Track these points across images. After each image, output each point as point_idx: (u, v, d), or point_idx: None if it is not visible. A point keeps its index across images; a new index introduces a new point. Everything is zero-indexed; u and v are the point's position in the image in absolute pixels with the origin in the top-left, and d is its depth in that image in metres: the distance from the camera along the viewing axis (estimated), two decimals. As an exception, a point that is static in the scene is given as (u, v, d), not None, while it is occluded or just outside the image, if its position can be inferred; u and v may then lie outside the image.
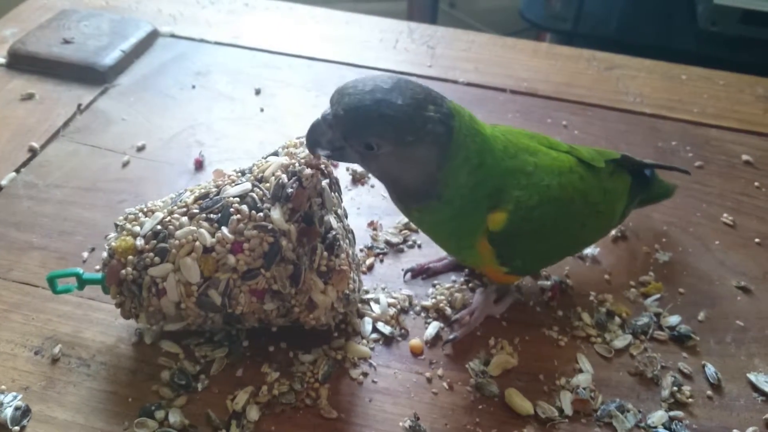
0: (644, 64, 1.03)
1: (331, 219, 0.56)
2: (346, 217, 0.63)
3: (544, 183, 0.56)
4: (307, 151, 0.56)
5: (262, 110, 0.90)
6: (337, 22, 1.09)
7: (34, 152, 0.80)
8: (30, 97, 0.88)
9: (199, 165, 0.80)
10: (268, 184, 0.55)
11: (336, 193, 0.60)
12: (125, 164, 0.80)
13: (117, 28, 0.98)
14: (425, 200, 0.54)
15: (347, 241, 0.60)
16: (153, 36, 1.01)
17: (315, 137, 0.53)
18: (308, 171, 0.55)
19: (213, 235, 0.54)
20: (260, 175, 0.56)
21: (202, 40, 1.02)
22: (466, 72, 0.99)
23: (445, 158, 0.51)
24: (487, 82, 0.97)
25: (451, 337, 0.62)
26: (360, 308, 0.64)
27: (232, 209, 0.54)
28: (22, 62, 0.93)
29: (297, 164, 0.55)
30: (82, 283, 0.59)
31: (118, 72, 0.93)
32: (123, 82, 0.92)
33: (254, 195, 0.55)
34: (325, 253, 0.54)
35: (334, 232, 0.55)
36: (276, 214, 0.54)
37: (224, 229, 0.54)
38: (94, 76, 0.91)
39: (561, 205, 0.57)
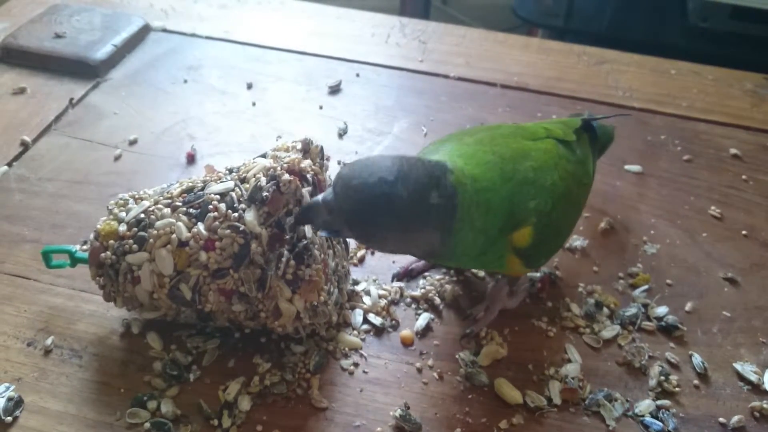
0: (634, 58, 1.04)
1: (306, 228, 0.55)
2: None
3: (548, 183, 0.56)
4: (293, 156, 0.56)
5: (253, 104, 0.90)
6: (329, 17, 1.09)
7: (26, 146, 0.80)
8: (22, 91, 0.88)
9: (191, 158, 0.80)
10: (248, 185, 0.55)
11: None
12: (117, 158, 0.80)
13: (109, 23, 0.98)
14: (435, 257, 0.55)
15: (330, 252, 0.59)
16: (145, 30, 1.01)
17: (310, 216, 0.53)
18: (287, 177, 0.54)
19: (190, 229, 0.54)
20: (244, 175, 0.56)
21: (193, 35, 1.02)
22: (458, 67, 0.99)
23: (449, 234, 0.52)
24: (478, 77, 0.97)
25: (467, 331, 0.63)
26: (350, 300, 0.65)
27: (210, 206, 0.54)
28: (14, 56, 0.93)
29: (278, 168, 0.55)
30: (75, 260, 0.60)
31: (109, 66, 0.93)
32: (115, 77, 0.93)
33: (233, 194, 0.55)
34: (293, 262, 0.53)
35: (305, 242, 0.54)
36: (249, 216, 0.54)
37: (200, 225, 0.54)
38: (86, 71, 0.91)
39: (566, 197, 0.58)
